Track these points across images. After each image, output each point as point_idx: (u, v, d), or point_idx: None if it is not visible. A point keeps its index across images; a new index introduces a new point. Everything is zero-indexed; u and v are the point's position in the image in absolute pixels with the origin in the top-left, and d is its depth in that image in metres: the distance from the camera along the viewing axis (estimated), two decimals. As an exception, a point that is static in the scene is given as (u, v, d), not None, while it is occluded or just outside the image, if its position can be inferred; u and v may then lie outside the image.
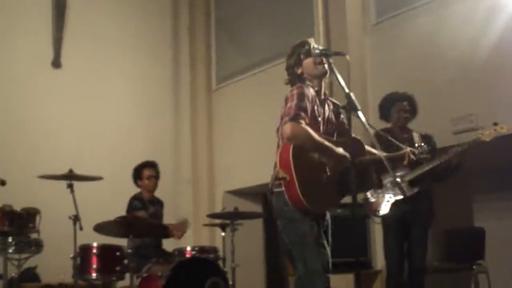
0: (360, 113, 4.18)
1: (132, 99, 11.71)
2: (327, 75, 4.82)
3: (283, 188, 4.56)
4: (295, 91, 4.68)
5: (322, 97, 4.86)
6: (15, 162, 9.63)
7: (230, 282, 7.34)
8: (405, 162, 5.26)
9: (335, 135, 4.90)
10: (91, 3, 11.47)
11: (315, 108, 4.72)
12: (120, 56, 11.66)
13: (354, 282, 8.20)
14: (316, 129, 4.65)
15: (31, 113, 10.44)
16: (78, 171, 6.97)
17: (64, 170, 6.91)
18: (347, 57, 4.41)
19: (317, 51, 4.49)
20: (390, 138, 5.60)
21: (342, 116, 4.98)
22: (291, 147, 4.54)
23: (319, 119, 4.76)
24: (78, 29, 11.14)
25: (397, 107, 6.99)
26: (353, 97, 4.19)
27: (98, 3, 11.58)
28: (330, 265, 4.72)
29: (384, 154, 4.49)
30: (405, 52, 8.97)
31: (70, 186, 6.90)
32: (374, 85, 9.23)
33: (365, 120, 4.21)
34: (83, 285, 7.31)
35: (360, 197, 6.79)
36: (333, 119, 4.93)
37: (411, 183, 6.61)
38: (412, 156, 5.28)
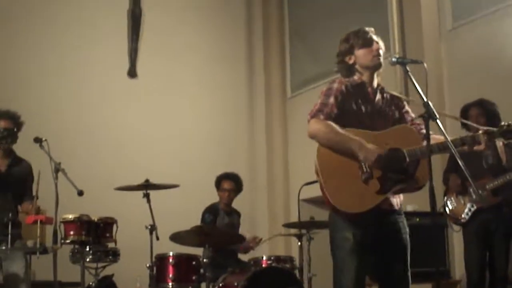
0: (438, 122, 4.06)
1: (207, 108, 11.76)
2: (381, 68, 4.64)
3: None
4: (324, 88, 4.56)
5: (370, 89, 4.62)
6: (92, 172, 9.75)
7: (307, 292, 7.29)
8: (481, 146, 4.38)
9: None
10: (166, 13, 11.59)
11: (353, 101, 4.53)
12: (195, 65, 11.74)
13: (433, 292, 8.10)
14: (355, 124, 4.44)
15: (107, 123, 10.59)
16: (154, 181, 7.00)
17: (140, 180, 6.95)
18: (425, 64, 4.29)
19: (393, 59, 4.36)
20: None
21: (406, 109, 4.72)
22: (317, 147, 4.41)
23: (361, 112, 4.54)
24: (153, 39, 11.29)
25: (470, 114, 6.85)
26: (431, 106, 4.08)
27: (173, 13, 11.68)
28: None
29: (451, 138, 4.13)
30: (482, 58, 8.81)
31: (147, 196, 6.95)
32: (451, 92, 9.11)
33: (443, 129, 4.09)
34: (159, 294, 7.34)
35: (439, 204, 6.71)
36: (388, 112, 4.65)
37: (494, 192, 6.49)
38: (487, 136, 4.36)
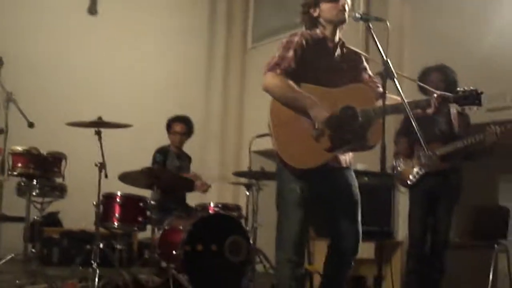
0: (396, 81, 4.06)
1: (166, 51, 11.71)
2: (345, 24, 4.59)
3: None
4: (284, 41, 4.50)
5: (331, 44, 4.60)
6: (45, 107, 9.66)
7: (251, 242, 7.32)
8: (431, 110, 4.38)
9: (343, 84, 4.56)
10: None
11: (312, 56, 4.49)
12: (157, 7, 11.65)
13: (375, 251, 8.20)
14: (311, 80, 4.43)
15: (64, 59, 10.51)
16: (107, 119, 6.95)
17: (93, 117, 6.89)
18: (388, 23, 4.28)
19: (357, 15, 4.32)
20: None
21: (364, 65, 4.73)
22: (271, 101, 4.41)
23: (319, 68, 4.51)
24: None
25: (430, 78, 6.83)
26: (390, 65, 4.08)
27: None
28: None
29: (407, 101, 4.12)
30: (445, 22, 8.81)
31: (98, 134, 6.87)
32: (412, 53, 9.12)
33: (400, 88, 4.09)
34: (104, 233, 7.31)
35: (388, 165, 6.75)
36: (346, 68, 4.63)
37: (442, 158, 6.55)
38: (440, 100, 4.36)
